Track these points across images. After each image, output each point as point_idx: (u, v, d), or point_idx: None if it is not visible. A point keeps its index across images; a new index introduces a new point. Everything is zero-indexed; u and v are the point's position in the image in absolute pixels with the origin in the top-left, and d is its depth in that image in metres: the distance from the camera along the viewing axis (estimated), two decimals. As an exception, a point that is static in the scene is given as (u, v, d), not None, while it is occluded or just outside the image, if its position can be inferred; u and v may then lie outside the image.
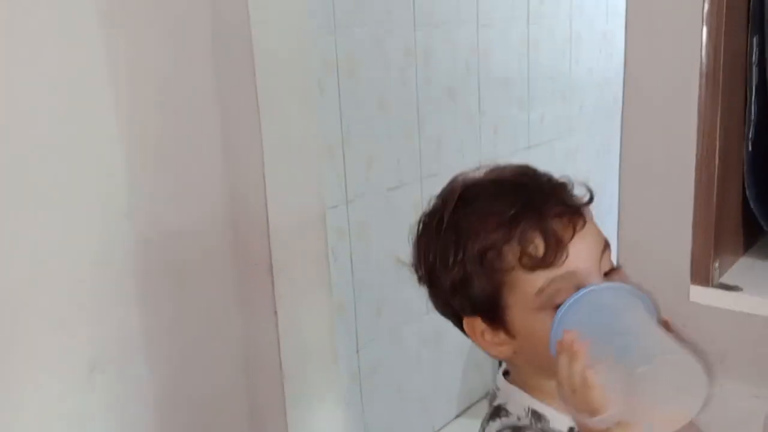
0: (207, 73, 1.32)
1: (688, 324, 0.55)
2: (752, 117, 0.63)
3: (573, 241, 0.60)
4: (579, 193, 0.64)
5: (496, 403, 0.68)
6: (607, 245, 0.64)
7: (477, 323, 0.65)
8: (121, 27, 1.17)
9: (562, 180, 0.66)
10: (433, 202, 0.69)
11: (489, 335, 0.65)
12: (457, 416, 1.97)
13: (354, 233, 1.63)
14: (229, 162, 1.38)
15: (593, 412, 0.52)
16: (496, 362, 1.06)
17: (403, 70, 1.68)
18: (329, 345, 1.53)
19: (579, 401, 0.53)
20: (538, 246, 0.60)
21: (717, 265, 0.60)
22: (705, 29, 0.57)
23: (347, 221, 1.61)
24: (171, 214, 1.33)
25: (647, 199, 0.67)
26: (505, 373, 0.71)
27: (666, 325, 0.63)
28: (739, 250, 0.63)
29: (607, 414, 0.51)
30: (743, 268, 0.61)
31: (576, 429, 0.63)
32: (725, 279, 0.60)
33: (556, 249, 0.60)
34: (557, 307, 0.59)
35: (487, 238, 0.61)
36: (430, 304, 2.08)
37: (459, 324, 0.68)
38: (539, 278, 0.60)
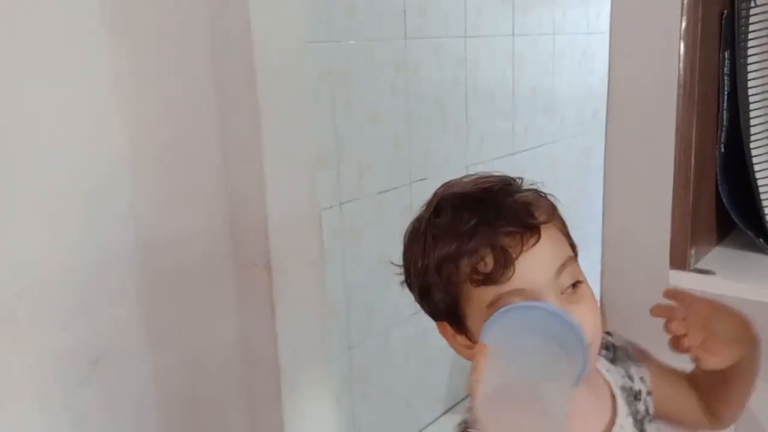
0: (208, 82, 1.37)
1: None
2: (724, 122, 0.70)
3: (521, 258, 0.61)
4: (546, 211, 0.65)
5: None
6: (569, 261, 0.64)
7: (447, 327, 0.68)
8: (124, 36, 1.22)
9: (528, 199, 0.66)
10: (419, 210, 0.72)
11: (460, 338, 0.68)
12: (444, 413, 2.02)
13: (346, 235, 1.69)
14: (230, 166, 1.43)
15: (473, 423, 0.58)
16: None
17: (393, 82, 1.75)
18: (323, 343, 1.59)
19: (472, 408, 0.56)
20: (487, 262, 0.62)
21: (693, 252, 0.67)
22: (682, 44, 0.64)
23: (340, 223, 1.67)
24: (173, 215, 1.37)
25: (630, 195, 0.73)
26: None
27: (673, 294, 0.68)
28: (713, 240, 0.70)
29: (479, 428, 0.55)
30: (716, 256, 0.68)
31: None
32: (700, 265, 0.66)
33: (503, 266, 0.61)
34: None
35: (445, 250, 0.64)
36: (417, 306, 2.14)
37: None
38: (488, 293, 0.62)
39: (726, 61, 0.68)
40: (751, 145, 0.68)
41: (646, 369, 0.76)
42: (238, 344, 1.51)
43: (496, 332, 0.59)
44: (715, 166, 0.71)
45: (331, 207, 1.63)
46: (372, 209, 1.75)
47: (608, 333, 0.77)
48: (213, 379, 1.48)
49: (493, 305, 0.61)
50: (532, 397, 0.53)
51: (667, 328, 0.67)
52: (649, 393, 0.75)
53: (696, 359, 0.67)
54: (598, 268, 1.12)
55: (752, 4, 0.64)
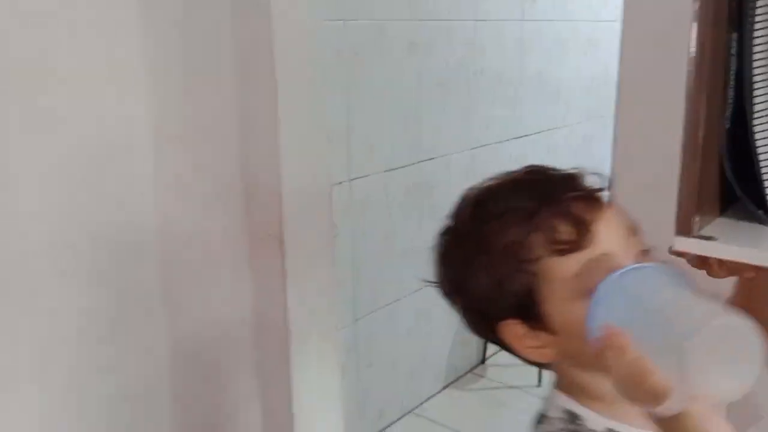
0: (228, 59, 1.41)
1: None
2: (730, 100, 0.75)
3: (597, 223, 0.58)
4: (593, 181, 0.62)
5: (539, 412, 0.65)
6: (635, 229, 0.62)
7: (515, 327, 0.61)
8: (154, 7, 1.25)
9: (573, 171, 0.64)
10: (445, 222, 0.67)
11: (529, 339, 0.61)
12: (444, 388, 2.08)
13: (355, 210, 1.73)
14: (247, 140, 1.47)
15: (659, 399, 0.49)
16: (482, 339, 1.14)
17: (403, 62, 1.79)
18: (331, 313, 1.64)
19: (641, 393, 0.50)
20: (564, 231, 0.58)
21: (697, 219, 0.71)
22: (694, 25, 0.68)
23: (349, 199, 1.71)
24: (191, 186, 1.41)
25: (639, 168, 0.78)
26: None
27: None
28: (716, 211, 0.74)
29: (673, 397, 0.48)
30: (719, 225, 0.72)
31: (613, 428, 0.62)
32: (703, 232, 0.71)
33: (583, 231, 0.58)
34: (592, 293, 0.56)
35: (510, 235, 0.59)
36: (421, 282, 2.18)
37: (497, 338, 0.63)
38: (572, 263, 0.58)
39: (734, 42, 0.72)
40: (754, 123, 0.72)
41: None
42: (251, 310, 1.55)
43: (610, 308, 0.54)
44: (720, 141, 0.75)
45: (341, 183, 1.67)
46: (379, 186, 1.79)
47: None
48: (225, 343, 1.53)
49: (583, 274, 0.57)
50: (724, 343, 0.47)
51: None
52: None
53: None
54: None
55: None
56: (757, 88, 0.72)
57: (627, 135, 0.76)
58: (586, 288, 0.56)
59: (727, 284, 0.78)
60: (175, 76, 1.35)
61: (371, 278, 1.82)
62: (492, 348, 1.89)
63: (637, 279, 0.56)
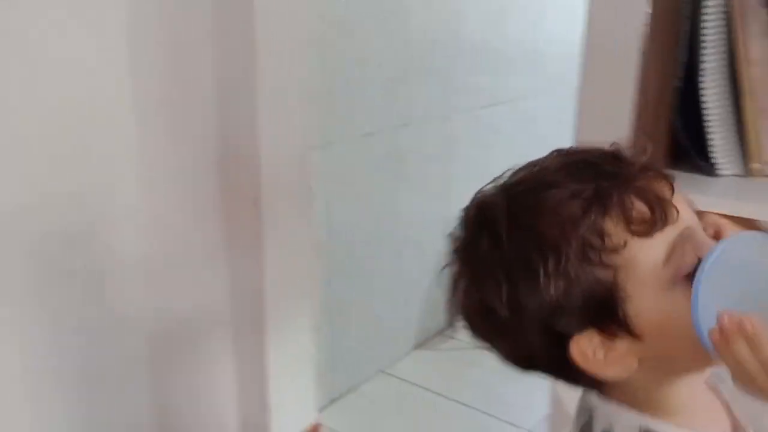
0: (207, 21, 1.42)
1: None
2: (681, 60, 0.80)
3: (674, 197, 0.51)
4: (637, 155, 0.53)
5: (599, 430, 0.55)
6: (692, 201, 0.55)
7: (588, 341, 0.51)
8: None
9: (613, 147, 0.54)
10: (458, 236, 0.56)
11: (605, 351, 0.51)
12: (415, 348, 2.13)
13: (332, 175, 1.76)
14: (224, 103, 1.49)
15: None
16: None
17: (383, 27, 1.81)
18: (308, 276, 1.67)
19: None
20: (642, 209, 0.49)
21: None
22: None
23: (327, 163, 1.74)
24: (169, 150, 1.43)
25: (597, 124, 0.82)
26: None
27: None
28: (668, 163, 0.80)
29: None
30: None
31: None
32: None
33: (665, 205, 0.49)
34: (687, 277, 0.48)
35: (580, 225, 0.49)
36: (397, 248, 2.20)
37: (563, 364, 0.52)
38: (659, 245, 0.49)
39: (686, 4, 0.77)
40: (702, 81, 0.77)
41: None
42: (228, 273, 1.59)
43: (721, 291, 0.46)
44: (672, 98, 0.80)
45: (319, 147, 1.70)
46: (355, 152, 1.82)
47: None
48: (201, 305, 1.57)
49: (673, 255, 0.49)
50: None
51: None
52: None
53: None
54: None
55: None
56: (705, 48, 0.76)
57: (588, 93, 0.80)
58: (679, 273, 0.49)
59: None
60: (152, 41, 1.35)
61: (345, 243, 1.85)
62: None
63: (741, 251, 0.48)
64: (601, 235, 0.49)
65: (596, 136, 0.80)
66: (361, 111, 1.80)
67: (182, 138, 1.45)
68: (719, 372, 0.56)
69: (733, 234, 0.51)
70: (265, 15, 1.43)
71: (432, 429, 1.82)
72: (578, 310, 0.50)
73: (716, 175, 0.77)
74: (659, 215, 0.49)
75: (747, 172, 0.78)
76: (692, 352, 0.49)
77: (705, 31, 0.76)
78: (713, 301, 0.46)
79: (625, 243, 0.49)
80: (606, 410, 0.55)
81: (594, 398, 0.56)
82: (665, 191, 0.51)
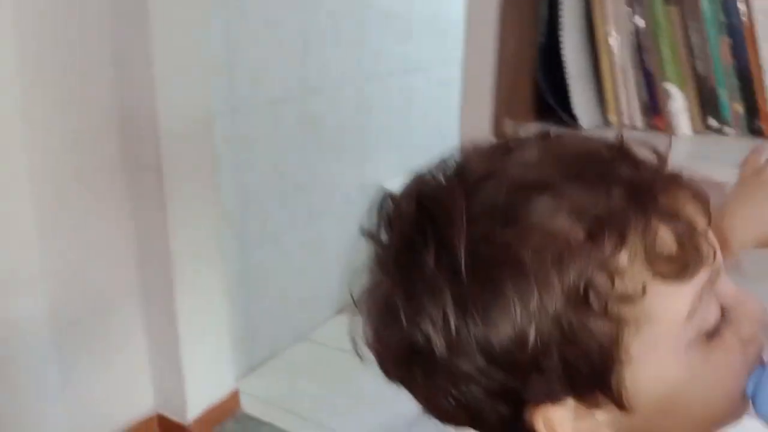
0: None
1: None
2: (543, 16, 0.82)
3: (710, 228, 0.37)
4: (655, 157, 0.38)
5: None
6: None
7: (560, 411, 0.37)
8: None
9: (618, 142, 0.39)
10: (385, 237, 0.40)
11: (574, 424, 0.38)
12: (337, 314, 2.15)
13: (239, 142, 1.75)
14: (121, 69, 1.46)
15: None
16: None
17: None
18: (216, 244, 1.67)
19: None
20: (669, 243, 0.35)
21: (510, 122, 0.79)
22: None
23: (233, 131, 1.72)
24: (66, 118, 1.40)
25: (473, 81, 0.84)
26: None
27: None
28: (531, 117, 0.83)
29: None
30: (534, 128, 0.81)
31: None
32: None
33: (698, 242, 0.36)
34: (707, 337, 0.37)
35: (583, 257, 0.34)
36: (312, 213, 2.21)
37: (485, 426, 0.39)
38: (686, 295, 0.36)
39: (545, -38, 0.79)
40: (562, 36, 0.80)
41: None
42: (134, 239, 1.57)
43: None
44: (534, 53, 0.82)
45: (224, 114, 1.68)
46: (266, 118, 1.81)
47: None
48: (108, 273, 1.55)
49: (695, 313, 0.36)
50: None
51: None
52: None
53: None
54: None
55: None
56: (563, 4, 0.79)
57: (467, 52, 0.82)
58: (700, 331, 0.37)
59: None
60: (45, 9, 1.31)
61: (260, 211, 1.85)
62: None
63: None
64: (613, 274, 0.34)
65: (472, 96, 0.82)
66: (269, 77, 1.78)
67: (78, 104, 1.42)
68: None
69: None
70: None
71: (353, 392, 1.85)
72: (557, 373, 0.35)
73: (575, 125, 0.80)
74: (692, 254, 0.35)
75: (606, 123, 0.82)
76: (691, 427, 0.39)
77: (562, -13, 0.78)
78: None
79: (644, 289, 0.35)
80: None
81: None
82: (699, 218, 0.36)
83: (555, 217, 0.35)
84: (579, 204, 0.35)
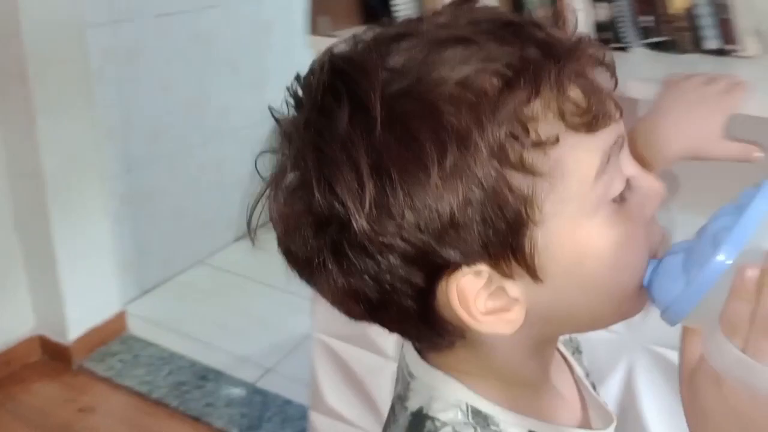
0: None
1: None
2: None
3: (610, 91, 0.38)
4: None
5: (414, 407, 0.42)
6: None
7: (472, 279, 0.37)
8: None
9: (529, 16, 0.41)
10: (293, 107, 0.38)
11: (486, 300, 0.37)
12: (237, 240, 2.14)
13: (121, 56, 1.67)
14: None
15: None
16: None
17: None
18: (96, 161, 1.61)
19: None
20: (578, 98, 0.36)
21: (326, 20, 0.76)
22: None
23: (114, 43, 1.64)
24: None
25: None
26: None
27: None
28: (356, 20, 0.80)
29: None
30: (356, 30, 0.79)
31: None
32: (337, 33, 0.77)
33: (604, 99, 0.37)
34: (614, 203, 0.37)
35: (500, 106, 0.34)
36: (209, 135, 2.15)
37: (400, 312, 0.38)
38: (594, 151, 0.36)
39: None
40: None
41: None
42: (3, 157, 1.50)
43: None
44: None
45: (102, 25, 1.59)
46: (152, 32, 1.72)
47: None
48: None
49: (603, 173, 0.36)
50: None
51: None
52: None
53: None
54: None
55: None
56: None
57: None
58: (607, 194, 0.37)
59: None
60: None
61: (147, 129, 1.79)
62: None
63: None
64: (528, 123, 0.34)
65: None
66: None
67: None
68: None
69: None
70: None
71: (246, 314, 1.85)
72: (475, 231, 0.35)
73: None
74: (599, 108, 0.36)
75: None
76: (596, 304, 0.39)
77: None
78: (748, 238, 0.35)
79: (557, 138, 0.35)
80: (427, 381, 0.42)
81: (414, 364, 0.43)
82: (604, 80, 0.37)
83: (471, 68, 0.35)
84: (494, 56, 0.35)
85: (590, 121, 0.35)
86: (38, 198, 1.52)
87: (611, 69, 0.38)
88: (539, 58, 0.35)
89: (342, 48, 0.38)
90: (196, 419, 1.52)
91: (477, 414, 0.41)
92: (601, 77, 0.37)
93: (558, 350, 0.48)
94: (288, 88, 0.38)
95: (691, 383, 0.36)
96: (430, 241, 0.35)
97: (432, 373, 0.42)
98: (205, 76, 1.90)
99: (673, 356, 0.39)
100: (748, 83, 0.64)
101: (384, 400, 1.25)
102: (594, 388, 0.50)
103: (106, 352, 1.68)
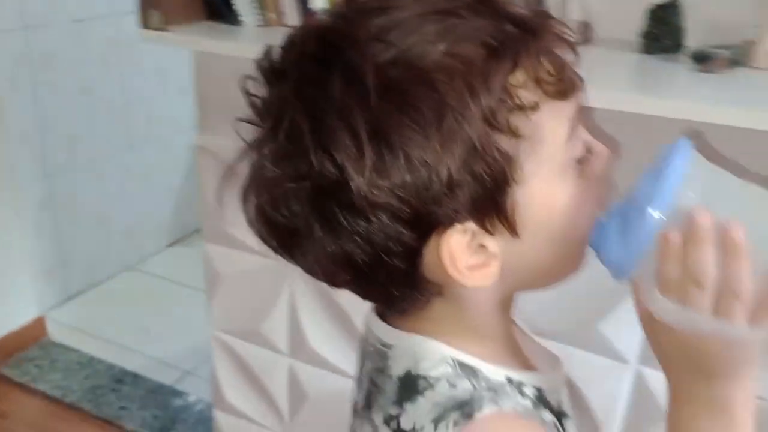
0: None
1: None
2: None
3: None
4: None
5: (400, 372, 0.43)
6: None
7: (461, 236, 0.39)
8: None
9: None
10: (285, 77, 0.39)
11: (469, 256, 0.40)
12: (168, 246, 2.13)
13: (35, 62, 1.67)
14: None
15: (761, 319, 0.37)
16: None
17: None
18: (10, 167, 1.61)
19: (731, 308, 0.37)
20: (549, 70, 0.39)
21: (157, 15, 0.78)
22: None
23: (27, 48, 1.65)
24: None
25: None
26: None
27: None
28: (200, 16, 0.82)
29: None
30: (202, 26, 0.81)
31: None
32: (177, 29, 0.78)
33: (570, 71, 0.40)
34: (577, 165, 0.41)
35: (492, 75, 0.37)
36: (133, 138, 2.12)
37: (388, 275, 0.40)
38: (563, 118, 0.40)
39: None
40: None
41: None
42: None
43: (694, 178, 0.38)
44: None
45: (13, 30, 1.60)
46: (68, 37, 1.73)
47: None
48: None
49: (571, 136, 0.40)
50: None
51: None
52: None
53: None
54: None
55: None
56: None
57: None
58: (572, 157, 0.41)
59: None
60: None
61: (66, 134, 1.78)
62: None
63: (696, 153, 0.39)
64: (513, 90, 0.37)
65: None
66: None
67: None
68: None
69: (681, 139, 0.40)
70: None
71: (170, 320, 1.85)
72: (466, 192, 0.37)
73: (239, 24, 0.79)
74: (568, 78, 0.39)
75: (265, 21, 0.81)
76: (558, 257, 0.43)
77: None
78: (683, 198, 0.38)
79: (538, 104, 0.38)
80: (406, 346, 0.44)
81: (387, 334, 0.45)
82: (567, 54, 0.40)
83: (456, 38, 0.37)
84: (477, 27, 0.37)
85: (563, 89, 0.39)
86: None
87: (572, 44, 0.41)
88: (516, 31, 0.38)
89: (323, 21, 0.39)
90: (109, 422, 1.51)
91: (463, 366, 0.43)
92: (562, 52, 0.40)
93: None
94: (259, 63, 0.39)
95: (646, 324, 0.42)
96: (427, 202, 0.37)
97: (410, 338, 0.44)
98: (131, 82, 1.90)
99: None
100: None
101: (280, 394, 1.26)
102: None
103: (23, 357, 1.67)
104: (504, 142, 0.37)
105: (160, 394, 1.60)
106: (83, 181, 1.85)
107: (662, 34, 0.74)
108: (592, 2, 0.82)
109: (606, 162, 0.43)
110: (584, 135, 0.42)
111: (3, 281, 1.65)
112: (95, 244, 1.93)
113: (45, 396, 1.57)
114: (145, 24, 0.76)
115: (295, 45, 0.39)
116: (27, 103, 1.66)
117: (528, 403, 0.43)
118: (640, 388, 0.89)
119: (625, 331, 0.87)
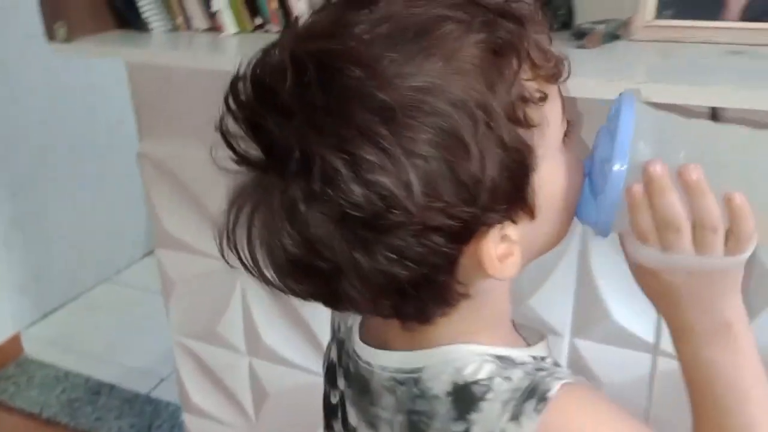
0: None
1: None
2: None
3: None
4: None
5: (446, 388, 0.42)
6: None
7: (492, 236, 0.39)
8: None
9: None
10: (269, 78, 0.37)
11: (498, 250, 0.39)
12: (145, 255, 2.14)
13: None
14: None
15: (743, 245, 0.40)
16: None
17: None
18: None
19: (710, 242, 0.40)
20: (544, 56, 0.40)
21: (62, 27, 0.79)
22: None
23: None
24: None
25: None
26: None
27: None
28: (111, 25, 0.83)
29: (754, 243, 0.41)
30: (113, 36, 0.82)
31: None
32: (90, 42, 0.79)
33: (555, 55, 0.41)
34: (564, 139, 0.43)
35: (504, 74, 0.37)
36: (105, 142, 2.10)
37: (416, 288, 0.39)
38: (557, 97, 0.41)
39: None
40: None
41: None
42: None
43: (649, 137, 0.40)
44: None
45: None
46: (20, 51, 1.74)
47: None
48: None
49: (565, 112, 0.42)
50: None
51: None
52: None
53: None
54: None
55: None
56: None
57: None
58: (563, 133, 0.42)
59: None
60: None
61: (32, 148, 1.79)
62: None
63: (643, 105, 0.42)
64: (525, 84, 0.38)
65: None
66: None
67: None
68: None
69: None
70: None
71: (148, 326, 1.85)
72: (503, 191, 0.37)
73: (148, 30, 0.81)
74: (557, 62, 0.40)
75: (174, 27, 0.82)
76: (557, 229, 0.44)
77: None
78: (644, 148, 0.40)
79: (546, 94, 0.39)
80: (438, 360, 0.42)
81: (410, 360, 0.43)
82: (546, 41, 0.41)
83: (461, 41, 0.36)
84: (475, 28, 0.37)
85: (555, 72, 0.40)
86: None
87: (544, 25, 0.42)
88: (512, 25, 0.38)
89: (308, 39, 0.37)
90: (85, 434, 1.53)
91: (501, 358, 0.42)
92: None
93: None
94: (239, 88, 0.36)
95: (637, 273, 0.44)
96: (476, 211, 0.37)
97: (437, 352, 0.43)
98: (93, 92, 1.90)
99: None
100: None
101: (243, 393, 1.27)
102: None
103: (0, 376, 1.69)
104: (524, 133, 0.38)
105: (136, 403, 1.62)
106: (52, 196, 1.86)
107: (551, 14, 0.75)
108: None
109: (576, 133, 0.45)
110: (572, 101, 0.45)
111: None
112: (70, 258, 1.94)
113: (22, 412, 1.59)
114: (51, 37, 0.77)
115: (287, 71, 0.35)
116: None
117: (566, 370, 0.44)
118: (575, 357, 0.90)
119: (557, 305, 0.88)
